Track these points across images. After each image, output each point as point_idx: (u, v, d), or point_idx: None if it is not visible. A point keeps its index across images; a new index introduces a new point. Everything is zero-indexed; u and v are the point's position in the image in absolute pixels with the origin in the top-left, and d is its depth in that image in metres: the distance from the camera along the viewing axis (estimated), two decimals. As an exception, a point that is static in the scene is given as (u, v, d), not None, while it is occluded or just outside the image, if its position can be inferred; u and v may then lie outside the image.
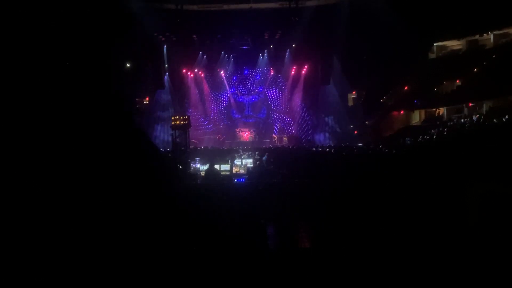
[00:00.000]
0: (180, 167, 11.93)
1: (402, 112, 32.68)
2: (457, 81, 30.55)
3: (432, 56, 33.93)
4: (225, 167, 14.41)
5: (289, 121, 35.95)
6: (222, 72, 35.86)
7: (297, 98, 35.35)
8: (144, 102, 35.93)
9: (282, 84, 36.07)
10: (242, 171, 14.60)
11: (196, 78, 35.83)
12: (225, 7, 30.72)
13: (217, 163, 13.26)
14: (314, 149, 21.52)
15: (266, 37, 33.70)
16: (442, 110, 31.45)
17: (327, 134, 33.57)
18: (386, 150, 17.00)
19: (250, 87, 36.75)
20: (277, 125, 35.93)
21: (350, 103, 36.45)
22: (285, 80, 35.74)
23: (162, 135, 32.61)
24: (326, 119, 34.17)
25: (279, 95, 36.29)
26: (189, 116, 28.51)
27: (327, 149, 21.26)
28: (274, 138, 34.36)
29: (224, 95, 36.81)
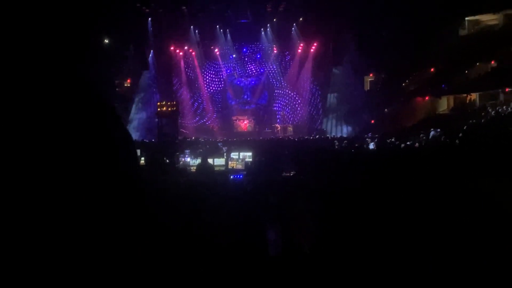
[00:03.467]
0: (167, 161, 11.89)
1: (427, 98, 32.55)
2: (492, 62, 30.41)
3: (464, 32, 33.65)
4: (219, 161, 14.40)
5: (294, 107, 35.85)
6: (216, 50, 35.66)
7: (305, 81, 35.19)
8: (125, 85, 35.83)
9: (287, 64, 35.93)
10: (239, 166, 14.57)
11: (186, 57, 35.65)
12: (220, -27, 30.57)
13: (210, 157, 13.24)
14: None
15: (268, 10, 33.46)
16: (474, 96, 31.32)
17: (339, 123, 33.54)
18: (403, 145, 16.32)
19: (249, 68, 36.60)
20: (281, 112, 35.87)
21: (367, 87, 36.35)
22: (291, 60, 35.60)
23: (146, 124, 32.60)
24: (338, 105, 34.10)
25: (283, 78, 36.19)
26: (177, 102, 28.50)
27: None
28: (277, 128, 34.19)
29: (219, 77, 36.72)
